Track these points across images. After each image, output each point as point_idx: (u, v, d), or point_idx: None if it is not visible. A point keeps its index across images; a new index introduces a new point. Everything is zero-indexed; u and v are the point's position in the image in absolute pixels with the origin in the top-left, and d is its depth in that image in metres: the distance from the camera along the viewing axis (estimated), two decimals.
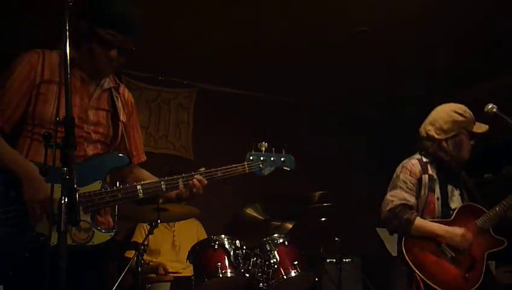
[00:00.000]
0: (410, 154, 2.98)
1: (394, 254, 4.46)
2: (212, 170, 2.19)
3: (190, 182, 2.11)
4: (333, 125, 5.91)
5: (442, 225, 2.70)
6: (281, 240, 3.28)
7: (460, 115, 2.81)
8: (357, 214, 5.12)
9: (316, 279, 3.38)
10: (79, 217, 1.39)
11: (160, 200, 3.57)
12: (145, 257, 3.64)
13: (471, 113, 2.85)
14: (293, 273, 3.12)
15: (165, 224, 4.10)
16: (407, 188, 2.77)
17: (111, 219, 2.11)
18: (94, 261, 1.95)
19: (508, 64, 4.72)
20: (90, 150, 2.00)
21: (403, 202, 2.73)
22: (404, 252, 2.66)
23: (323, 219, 4.37)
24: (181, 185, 2.09)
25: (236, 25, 4.28)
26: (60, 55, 1.96)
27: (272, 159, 2.38)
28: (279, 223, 4.20)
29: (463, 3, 3.95)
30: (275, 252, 3.19)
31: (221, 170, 2.21)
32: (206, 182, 2.14)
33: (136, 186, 2.00)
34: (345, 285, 4.49)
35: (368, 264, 5.05)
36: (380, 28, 4.32)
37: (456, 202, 2.82)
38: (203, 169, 2.17)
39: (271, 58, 4.81)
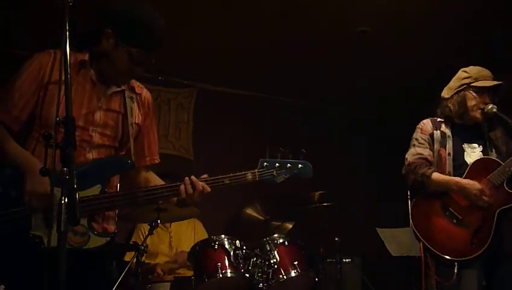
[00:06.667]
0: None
1: (394, 254, 4.48)
2: (219, 177, 2.07)
3: (191, 189, 2.00)
4: (333, 125, 5.91)
5: (458, 179, 2.63)
6: (281, 240, 3.28)
7: (465, 72, 2.86)
8: (357, 214, 5.12)
9: (316, 279, 3.38)
10: (79, 216, 1.39)
11: (160, 201, 3.57)
12: (144, 258, 3.64)
13: (480, 70, 2.84)
14: (293, 274, 3.13)
15: (161, 225, 4.10)
16: (419, 143, 2.83)
17: (112, 225, 2.07)
18: (93, 261, 1.92)
19: (508, 63, 4.72)
20: (91, 156, 1.97)
21: (416, 156, 2.79)
22: (411, 217, 2.69)
23: (323, 219, 4.37)
24: (183, 192, 1.99)
25: (237, 25, 4.28)
26: (73, 55, 1.94)
27: (287, 165, 2.19)
28: (279, 223, 4.20)
29: (463, 3, 3.95)
30: (275, 252, 3.19)
31: (228, 177, 2.08)
32: (209, 189, 2.03)
33: (135, 192, 1.97)
34: (345, 285, 4.49)
35: (368, 264, 5.05)
36: (380, 28, 4.33)
37: (475, 156, 2.73)
38: (205, 176, 2.05)
39: (271, 58, 4.81)
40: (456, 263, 2.50)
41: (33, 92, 1.91)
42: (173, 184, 2.01)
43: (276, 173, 2.16)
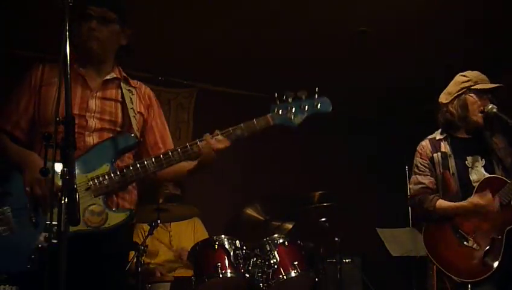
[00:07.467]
0: (409, 154, 2.99)
1: (394, 254, 4.48)
2: (230, 128, 2.06)
3: (206, 144, 1.99)
4: (333, 125, 5.89)
5: (462, 203, 2.64)
6: (281, 240, 3.28)
7: (463, 76, 2.85)
8: (357, 214, 5.12)
9: (316, 279, 3.38)
10: (79, 216, 1.39)
11: (160, 200, 3.57)
12: (144, 258, 3.63)
13: (478, 74, 2.83)
14: (293, 274, 3.13)
15: (161, 224, 4.09)
16: (419, 170, 2.84)
17: (128, 203, 2.06)
18: (112, 249, 1.93)
19: (508, 63, 4.72)
20: (92, 140, 2.00)
21: (418, 186, 2.80)
22: (423, 241, 2.73)
23: (323, 219, 4.37)
24: (196, 149, 1.98)
25: (237, 26, 4.28)
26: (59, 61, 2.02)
27: (302, 106, 2.09)
28: (279, 223, 4.20)
29: (463, 3, 3.95)
30: (275, 253, 3.19)
31: (239, 127, 2.06)
32: (228, 143, 2.02)
33: (144, 161, 1.98)
34: (345, 285, 4.49)
35: (368, 264, 5.04)
36: (380, 28, 4.33)
37: (479, 173, 2.72)
38: (217, 131, 2.05)
39: (271, 58, 4.80)
40: (469, 284, 2.52)
41: (28, 99, 2.04)
42: (184, 146, 2.01)
43: (291, 114, 2.10)
